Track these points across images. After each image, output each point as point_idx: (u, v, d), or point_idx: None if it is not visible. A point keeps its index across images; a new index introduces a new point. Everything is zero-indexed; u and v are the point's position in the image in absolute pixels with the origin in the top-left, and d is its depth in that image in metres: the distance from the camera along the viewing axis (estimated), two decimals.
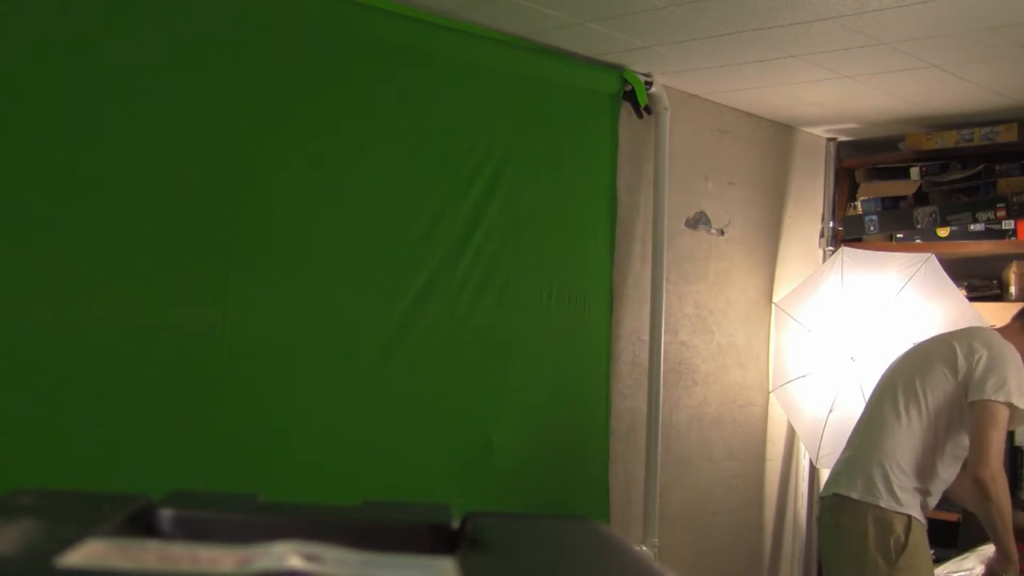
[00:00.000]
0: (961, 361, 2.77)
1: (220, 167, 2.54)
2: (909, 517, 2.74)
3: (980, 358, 2.75)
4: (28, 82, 2.25)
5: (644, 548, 3.48)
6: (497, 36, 3.08)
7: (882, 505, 2.74)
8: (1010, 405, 2.70)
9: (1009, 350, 2.78)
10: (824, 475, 4.16)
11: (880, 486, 2.75)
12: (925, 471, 2.79)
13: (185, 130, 2.48)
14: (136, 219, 2.40)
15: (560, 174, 3.29)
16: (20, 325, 2.24)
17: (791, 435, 4.25)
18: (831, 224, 4.39)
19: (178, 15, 2.47)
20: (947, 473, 2.86)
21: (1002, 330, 2.94)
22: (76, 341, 2.30)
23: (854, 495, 2.78)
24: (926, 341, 3.03)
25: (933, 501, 2.88)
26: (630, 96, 3.45)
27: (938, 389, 2.79)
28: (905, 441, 2.78)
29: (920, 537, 2.77)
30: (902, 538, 2.72)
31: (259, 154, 2.61)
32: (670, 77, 3.53)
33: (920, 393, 2.80)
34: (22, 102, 2.25)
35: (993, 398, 2.69)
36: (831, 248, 4.34)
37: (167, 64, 2.45)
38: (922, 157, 4.15)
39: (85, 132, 2.32)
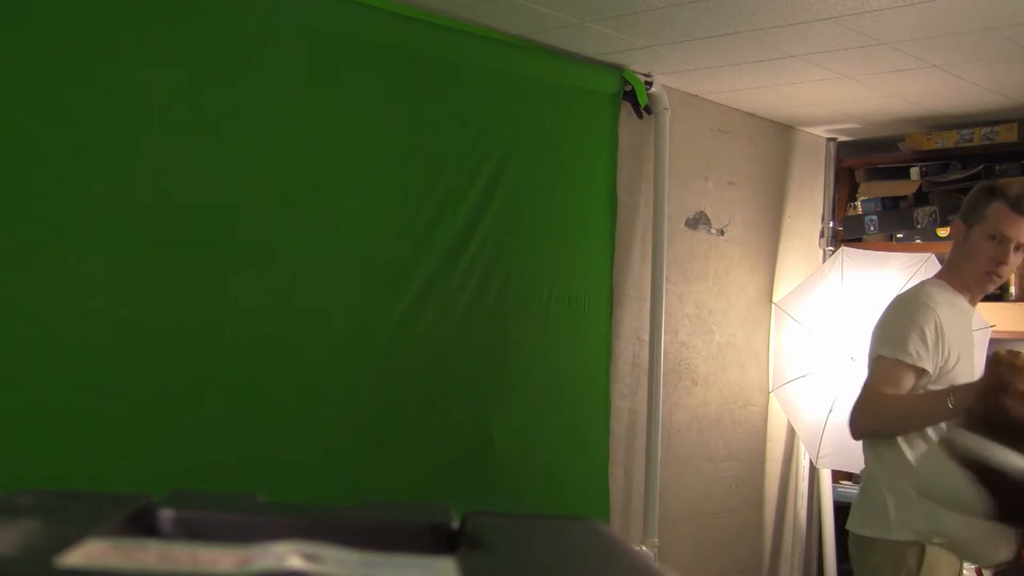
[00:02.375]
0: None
1: (221, 167, 2.54)
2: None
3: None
4: (29, 81, 2.25)
5: (644, 548, 3.48)
6: (497, 36, 3.07)
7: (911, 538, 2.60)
8: (897, 361, 2.57)
9: (903, 303, 2.69)
10: (824, 475, 4.18)
11: (894, 515, 2.61)
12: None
13: (186, 130, 2.48)
14: (137, 219, 2.40)
15: (560, 174, 3.29)
16: (20, 325, 2.24)
17: (791, 435, 4.25)
18: (831, 224, 4.38)
19: (179, 15, 2.47)
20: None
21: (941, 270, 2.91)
22: (77, 341, 2.30)
23: (868, 533, 2.65)
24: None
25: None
26: (630, 96, 3.44)
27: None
28: (904, 460, 2.62)
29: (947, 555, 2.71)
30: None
31: (259, 154, 2.61)
32: (670, 77, 3.53)
33: None
34: (23, 101, 2.25)
35: (881, 354, 2.61)
36: (831, 248, 4.34)
37: (168, 64, 2.45)
38: (922, 157, 4.15)
39: (84, 132, 2.32)
